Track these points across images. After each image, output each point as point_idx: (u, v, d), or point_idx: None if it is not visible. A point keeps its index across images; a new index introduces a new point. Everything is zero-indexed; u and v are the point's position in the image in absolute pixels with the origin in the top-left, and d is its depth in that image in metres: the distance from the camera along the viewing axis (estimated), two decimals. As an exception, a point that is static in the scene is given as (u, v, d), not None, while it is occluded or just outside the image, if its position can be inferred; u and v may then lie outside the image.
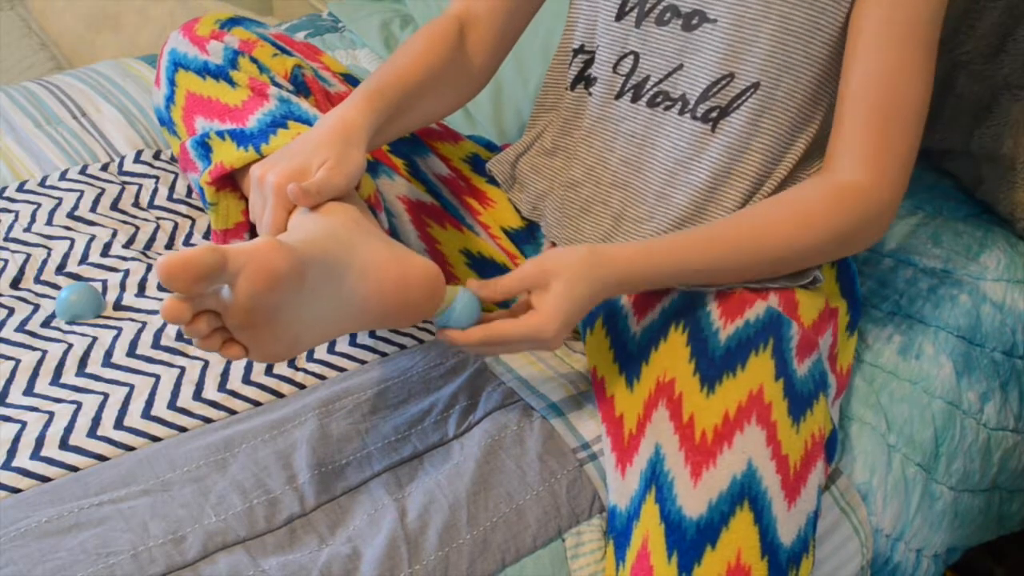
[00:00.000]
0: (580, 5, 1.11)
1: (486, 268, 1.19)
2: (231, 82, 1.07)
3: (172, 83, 1.11)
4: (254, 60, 1.09)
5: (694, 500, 0.90)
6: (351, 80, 1.18)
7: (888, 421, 1.13)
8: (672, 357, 0.99)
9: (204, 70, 1.09)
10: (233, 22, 1.14)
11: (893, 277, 1.24)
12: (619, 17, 1.06)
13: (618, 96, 1.09)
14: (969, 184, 1.34)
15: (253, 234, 1.09)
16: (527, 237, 1.19)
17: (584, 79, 1.12)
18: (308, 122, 1.04)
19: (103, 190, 1.27)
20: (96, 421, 0.99)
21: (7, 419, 0.99)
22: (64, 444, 0.97)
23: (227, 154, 1.02)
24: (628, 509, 0.94)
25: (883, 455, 1.11)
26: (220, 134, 1.04)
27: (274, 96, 1.05)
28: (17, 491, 0.93)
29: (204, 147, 1.05)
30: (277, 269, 0.78)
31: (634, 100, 1.08)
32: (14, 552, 0.87)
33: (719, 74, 1.01)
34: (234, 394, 1.04)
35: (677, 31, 1.03)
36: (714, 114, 1.03)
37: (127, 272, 1.16)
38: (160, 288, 1.15)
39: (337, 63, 1.20)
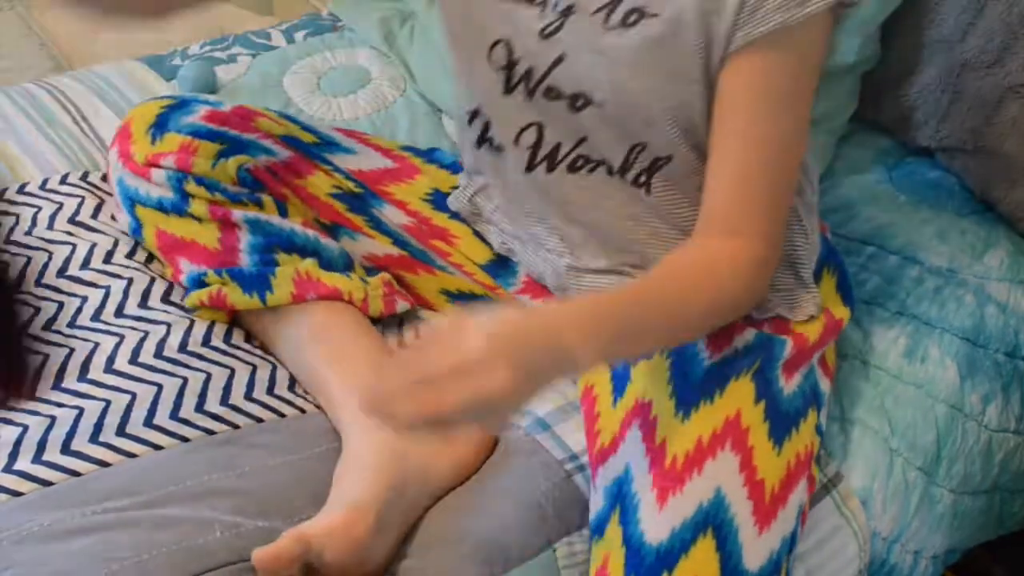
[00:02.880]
0: (460, 69, 1.03)
1: (470, 303, 1.18)
2: (194, 217, 1.10)
3: (135, 217, 1.14)
4: (200, 181, 1.09)
5: (657, 526, 0.89)
6: (291, 141, 1.15)
7: (891, 425, 1.13)
8: (652, 378, 0.98)
9: (161, 207, 1.11)
10: (161, 123, 1.12)
11: (900, 275, 1.23)
12: (508, 91, 0.98)
13: (529, 169, 1.01)
14: (971, 183, 1.34)
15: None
16: (500, 269, 1.16)
17: (488, 141, 1.05)
18: (288, 240, 1.10)
19: (103, 200, 1.26)
20: (98, 427, 0.99)
21: (8, 422, 0.99)
22: (66, 449, 0.97)
23: (233, 293, 1.09)
24: (591, 523, 0.95)
25: (884, 459, 1.11)
26: (219, 273, 1.10)
27: (241, 221, 1.10)
28: (19, 494, 0.93)
29: (203, 283, 1.11)
30: (360, 537, 0.88)
31: (550, 170, 1.00)
32: (16, 555, 0.87)
33: (628, 145, 0.96)
34: (237, 409, 1.04)
35: (565, 110, 0.96)
36: (643, 178, 0.98)
37: (131, 280, 1.16)
38: (164, 300, 1.15)
39: (274, 123, 1.16)
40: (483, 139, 1.05)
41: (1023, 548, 1.39)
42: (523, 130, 1.00)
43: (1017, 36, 1.24)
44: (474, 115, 1.05)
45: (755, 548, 0.91)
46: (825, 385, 1.05)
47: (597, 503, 0.95)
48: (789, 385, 0.98)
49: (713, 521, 0.90)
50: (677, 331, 0.91)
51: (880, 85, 1.40)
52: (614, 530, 0.91)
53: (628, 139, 0.96)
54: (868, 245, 1.28)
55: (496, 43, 0.96)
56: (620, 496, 0.92)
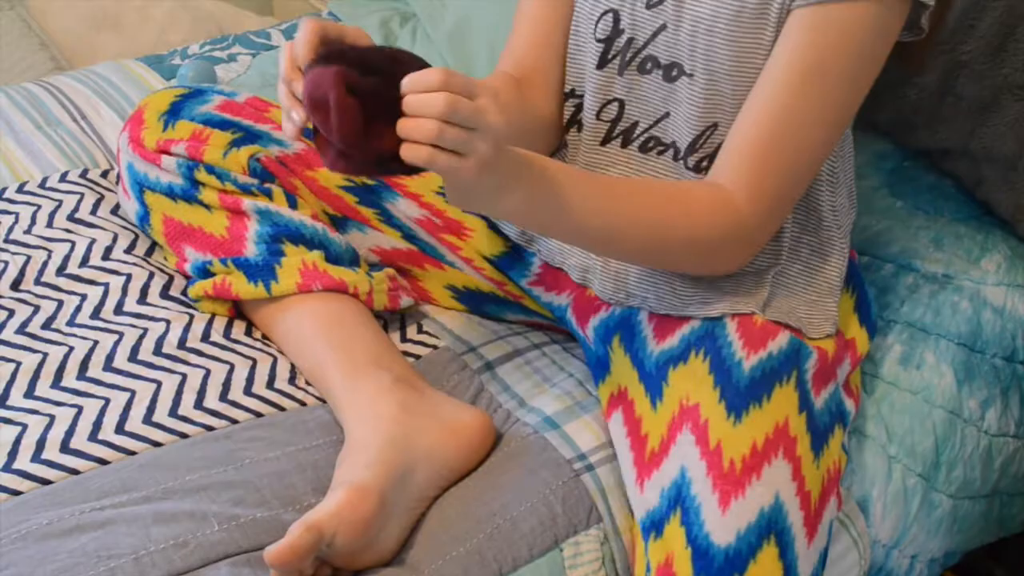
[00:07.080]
0: (572, 46, 1.07)
1: (475, 298, 1.19)
2: (204, 205, 1.11)
3: (143, 203, 1.14)
4: (210, 170, 1.09)
5: (722, 528, 0.90)
6: (305, 133, 1.15)
7: (888, 432, 1.13)
8: (694, 382, 0.98)
9: (171, 193, 1.12)
10: (174, 110, 1.13)
11: (895, 283, 1.24)
12: (600, 65, 1.02)
13: (604, 142, 1.06)
14: (969, 185, 1.34)
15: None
16: (514, 262, 1.17)
17: (577, 123, 1.09)
18: (296, 232, 1.09)
19: (102, 196, 1.27)
20: (97, 425, 1.00)
21: (7, 421, 0.99)
22: (65, 447, 0.97)
23: (238, 282, 1.09)
24: (644, 522, 0.95)
25: (883, 466, 1.11)
26: (224, 262, 1.10)
27: (251, 211, 1.10)
28: (18, 493, 0.94)
29: (207, 272, 1.12)
30: (366, 516, 0.89)
31: (624, 145, 1.05)
32: (15, 554, 0.87)
33: (703, 125, 0.99)
34: (235, 404, 1.04)
35: (659, 81, 1.01)
36: (704, 163, 1.01)
37: (129, 276, 1.16)
38: (163, 296, 1.15)
39: None
40: (572, 121, 1.09)
41: (1023, 549, 1.39)
42: (605, 104, 1.04)
43: (1016, 38, 1.24)
44: (568, 96, 1.08)
45: (805, 560, 0.92)
46: (849, 405, 1.05)
47: (649, 503, 0.95)
48: (819, 400, 0.99)
49: (775, 527, 0.90)
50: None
51: (878, 87, 1.40)
52: (675, 530, 0.91)
53: (706, 117, 0.99)
54: (862, 256, 1.28)
55: (606, 12, 1.01)
56: (680, 498, 0.92)
